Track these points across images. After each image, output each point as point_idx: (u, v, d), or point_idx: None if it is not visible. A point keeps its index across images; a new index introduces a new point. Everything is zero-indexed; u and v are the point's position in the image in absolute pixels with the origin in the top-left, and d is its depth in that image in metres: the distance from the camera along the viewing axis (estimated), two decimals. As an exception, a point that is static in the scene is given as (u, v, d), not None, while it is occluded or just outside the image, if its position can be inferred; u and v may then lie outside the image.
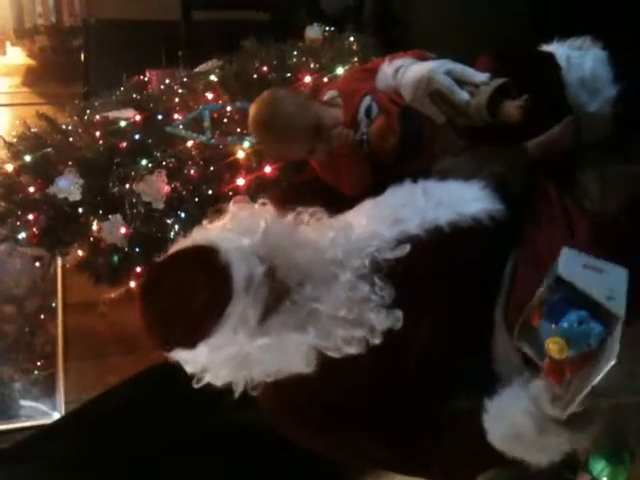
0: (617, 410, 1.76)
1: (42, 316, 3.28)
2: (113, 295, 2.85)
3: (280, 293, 1.34)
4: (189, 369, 1.36)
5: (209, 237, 1.35)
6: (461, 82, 1.70)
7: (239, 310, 1.27)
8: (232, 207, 1.45)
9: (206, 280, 1.27)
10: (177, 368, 1.35)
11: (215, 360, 1.33)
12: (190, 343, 1.29)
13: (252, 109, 1.77)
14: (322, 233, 1.44)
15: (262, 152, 2.22)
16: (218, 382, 1.36)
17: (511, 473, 1.53)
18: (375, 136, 1.75)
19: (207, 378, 1.36)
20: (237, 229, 1.37)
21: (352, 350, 1.36)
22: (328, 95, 1.83)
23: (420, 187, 1.58)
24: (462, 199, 1.55)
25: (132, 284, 2.68)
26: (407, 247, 1.43)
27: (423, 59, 1.79)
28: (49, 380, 3.14)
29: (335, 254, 1.40)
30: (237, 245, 1.31)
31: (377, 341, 1.36)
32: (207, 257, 1.29)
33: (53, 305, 3.29)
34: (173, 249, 1.37)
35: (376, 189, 1.61)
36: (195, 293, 1.26)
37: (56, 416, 3.04)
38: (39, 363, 3.18)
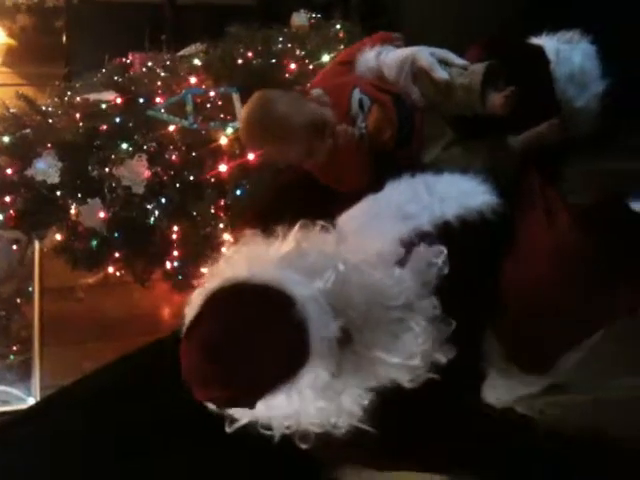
0: (595, 404, 1.77)
1: (18, 300, 3.23)
2: (91, 280, 2.82)
3: (342, 344, 1.19)
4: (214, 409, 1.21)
5: (273, 273, 1.16)
6: (445, 64, 1.72)
7: (313, 372, 1.14)
8: (296, 234, 1.28)
9: (282, 337, 1.12)
10: (154, 355, 1.30)
11: (265, 415, 1.20)
12: (250, 404, 1.14)
13: (244, 113, 1.74)
14: (380, 267, 1.29)
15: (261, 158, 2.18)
16: (246, 420, 1.23)
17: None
18: (374, 128, 1.72)
19: (243, 421, 1.22)
20: (303, 267, 1.20)
21: (411, 386, 1.25)
22: (313, 94, 1.80)
23: (421, 182, 1.53)
24: (465, 193, 1.51)
25: (110, 269, 2.66)
26: (444, 252, 1.32)
27: (389, 41, 1.82)
28: (25, 365, 3.10)
29: (407, 299, 1.26)
30: (311, 293, 1.15)
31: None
32: (281, 307, 1.12)
33: (30, 289, 3.24)
34: (225, 282, 1.17)
35: (372, 183, 1.59)
36: (268, 352, 1.11)
37: (31, 401, 3.00)
38: (15, 348, 3.14)
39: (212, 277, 1.22)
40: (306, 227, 1.30)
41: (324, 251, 1.25)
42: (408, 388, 1.25)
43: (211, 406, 1.20)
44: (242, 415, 1.22)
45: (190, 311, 1.20)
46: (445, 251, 1.32)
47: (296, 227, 1.29)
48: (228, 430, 1.22)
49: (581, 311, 1.43)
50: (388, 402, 1.24)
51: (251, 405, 1.14)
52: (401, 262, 1.30)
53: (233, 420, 1.22)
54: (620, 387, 1.68)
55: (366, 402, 1.23)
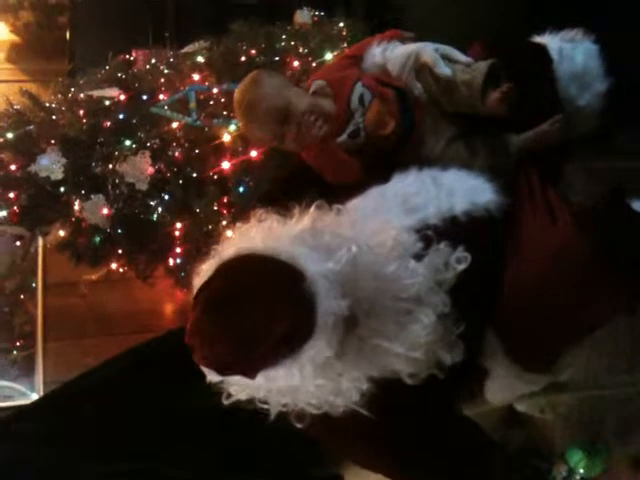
0: (595, 402, 1.77)
1: (22, 296, 3.25)
2: (94, 276, 2.83)
3: (348, 326, 1.19)
4: (211, 379, 1.22)
5: (287, 248, 1.17)
6: (448, 61, 1.72)
7: (316, 348, 1.14)
8: (312, 214, 1.28)
9: (289, 308, 1.11)
10: (156, 350, 1.29)
11: (262, 387, 1.20)
12: (253, 372, 1.14)
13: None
14: (395, 256, 1.28)
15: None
16: (244, 397, 1.23)
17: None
18: (373, 123, 1.72)
19: (236, 393, 1.23)
20: (317, 245, 1.20)
21: (413, 383, 1.26)
22: (315, 86, 1.79)
23: (428, 175, 1.53)
24: (472, 189, 1.51)
25: (113, 265, 2.67)
26: (468, 257, 1.33)
27: (399, 39, 1.82)
28: (28, 360, 3.12)
29: (418, 291, 1.25)
30: (321, 270, 1.15)
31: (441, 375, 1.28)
32: (291, 279, 1.13)
33: (33, 285, 3.25)
34: (240, 251, 1.18)
35: (374, 176, 1.58)
36: (274, 320, 1.10)
37: (34, 397, 3.01)
38: (18, 343, 3.15)
39: (226, 247, 1.23)
40: (322, 208, 1.31)
41: (338, 232, 1.25)
42: (409, 384, 1.26)
43: (211, 376, 1.19)
44: (240, 390, 1.22)
45: (201, 278, 1.22)
46: (470, 258, 1.32)
47: (312, 207, 1.29)
48: (225, 402, 1.23)
49: (582, 310, 1.44)
50: (390, 396, 1.25)
51: (252, 374, 1.14)
52: (416, 255, 1.30)
53: (230, 395, 1.23)
54: (621, 384, 1.68)
55: (364, 388, 1.23)
